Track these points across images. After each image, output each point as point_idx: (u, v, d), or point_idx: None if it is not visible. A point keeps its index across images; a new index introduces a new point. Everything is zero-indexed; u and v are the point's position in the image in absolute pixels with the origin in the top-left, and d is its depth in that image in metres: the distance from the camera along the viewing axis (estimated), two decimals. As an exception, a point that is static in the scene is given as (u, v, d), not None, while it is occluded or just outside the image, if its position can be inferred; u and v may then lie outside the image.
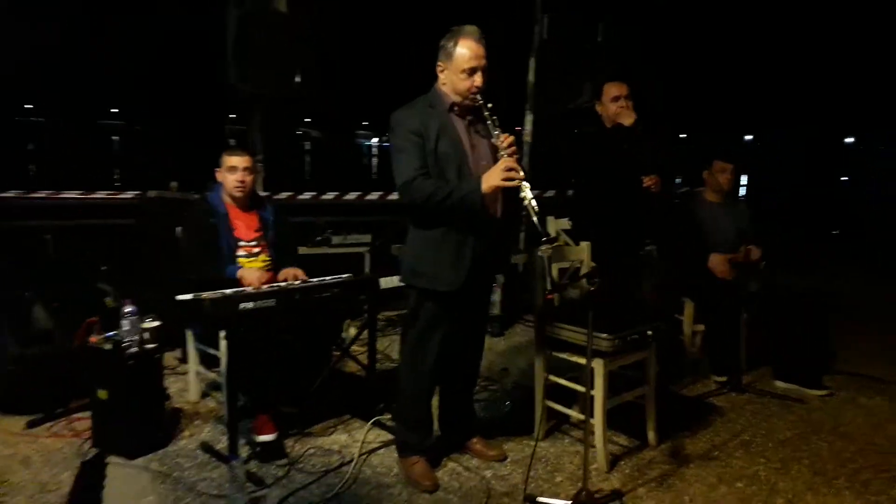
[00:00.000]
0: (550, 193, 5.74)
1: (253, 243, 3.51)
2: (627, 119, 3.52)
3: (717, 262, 4.10)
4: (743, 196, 13.60)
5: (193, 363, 3.62)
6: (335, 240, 4.73)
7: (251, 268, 3.35)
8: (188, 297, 2.85)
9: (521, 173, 2.60)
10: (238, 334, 2.84)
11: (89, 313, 3.32)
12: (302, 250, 4.52)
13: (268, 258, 3.54)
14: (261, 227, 3.55)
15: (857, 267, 8.37)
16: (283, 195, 5.07)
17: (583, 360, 3.05)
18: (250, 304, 2.81)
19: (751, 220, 4.33)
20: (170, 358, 4.03)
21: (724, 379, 4.07)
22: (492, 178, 2.59)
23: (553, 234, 3.20)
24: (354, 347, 3.80)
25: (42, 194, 4.45)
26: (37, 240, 4.14)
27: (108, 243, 4.31)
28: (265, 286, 3.10)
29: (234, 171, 3.44)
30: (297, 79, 4.42)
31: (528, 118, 5.84)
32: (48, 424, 3.31)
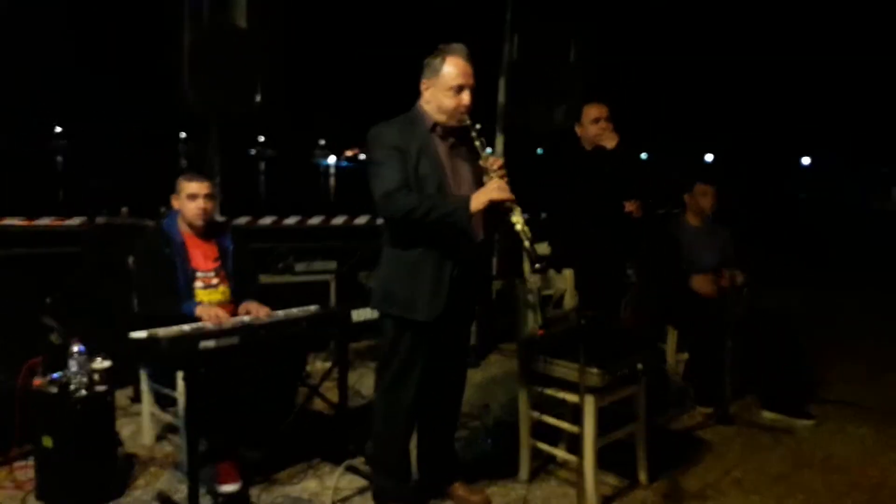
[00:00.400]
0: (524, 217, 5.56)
1: (211, 274, 3.25)
2: (610, 142, 3.40)
3: (700, 281, 3.98)
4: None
5: (147, 404, 3.33)
6: (298, 267, 4.48)
7: (210, 304, 3.08)
8: (142, 334, 2.60)
9: (512, 196, 2.42)
10: (198, 375, 2.58)
11: (33, 352, 3.02)
12: (263, 279, 4.26)
13: (227, 289, 3.28)
14: (220, 257, 3.30)
15: (820, 281, 8.39)
16: (243, 220, 4.80)
17: (572, 397, 2.87)
18: (211, 343, 2.56)
19: (733, 243, 4.22)
20: (121, 397, 3.72)
21: (710, 410, 3.92)
22: (486, 194, 2.40)
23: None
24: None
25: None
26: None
27: (54, 274, 3.98)
28: (227, 322, 2.86)
29: (194, 199, 3.20)
30: (258, 97, 4.18)
31: (499, 139, 5.67)
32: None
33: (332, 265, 4.62)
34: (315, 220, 5.55)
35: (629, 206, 3.49)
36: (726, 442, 3.60)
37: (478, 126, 2.51)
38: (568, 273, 3.31)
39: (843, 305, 7.00)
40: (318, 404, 3.60)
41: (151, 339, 2.54)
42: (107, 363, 2.85)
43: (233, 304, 3.25)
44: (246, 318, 2.97)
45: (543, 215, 5.52)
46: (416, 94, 2.64)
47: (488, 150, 2.51)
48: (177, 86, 3.95)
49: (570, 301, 3.31)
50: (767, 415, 3.92)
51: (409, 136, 2.53)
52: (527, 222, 2.44)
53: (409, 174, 2.49)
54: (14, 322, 3.42)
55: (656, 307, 4.17)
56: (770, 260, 8.76)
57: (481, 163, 2.50)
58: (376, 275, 2.67)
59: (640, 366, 2.92)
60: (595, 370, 2.74)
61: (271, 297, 3.26)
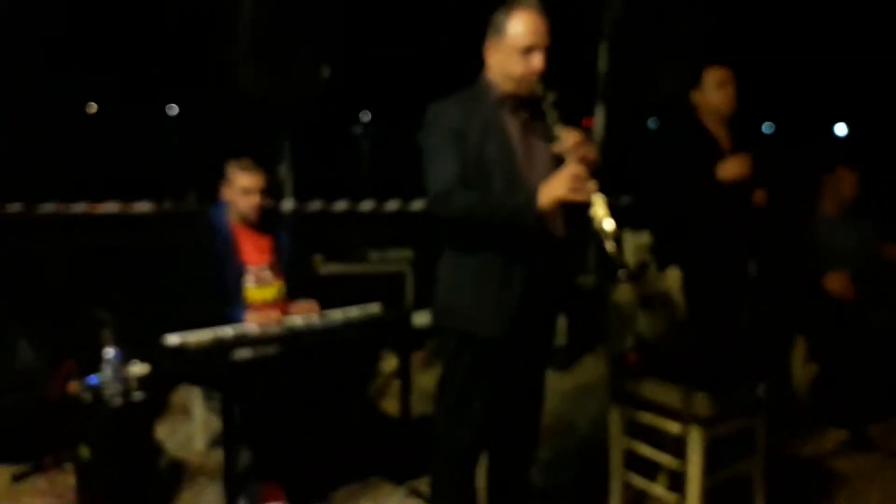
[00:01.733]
0: (626, 201, 5.00)
1: (265, 268, 2.95)
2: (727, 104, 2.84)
3: (835, 281, 3.33)
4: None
5: (199, 408, 3.09)
6: (373, 256, 4.13)
7: (264, 302, 2.77)
8: (176, 339, 2.32)
9: (594, 184, 1.94)
10: (234, 390, 2.27)
11: (81, 350, 2.83)
12: (333, 268, 4.00)
13: (282, 285, 2.98)
14: (274, 250, 3.00)
15: None
16: (317, 205, 4.51)
17: (674, 427, 2.36)
18: (247, 353, 2.23)
19: (880, 236, 3.50)
20: (181, 398, 3.51)
21: (845, 434, 3.27)
22: (554, 189, 1.94)
23: (635, 263, 2.49)
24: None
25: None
26: (32, 262, 3.69)
27: (115, 266, 3.81)
28: (273, 326, 2.55)
29: (249, 194, 2.91)
30: (326, 73, 3.83)
31: (600, 112, 5.10)
32: (34, 478, 2.85)
33: (408, 253, 4.25)
34: (393, 206, 5.19)
35: (758, 196, 2.89)
36: (865, 475, 2.98)
37: (551, 96, 2.02)
38: (674, 272, 2.77)
39: None
40: (385, 408, 3.26)
41: (182, 346, 2.24)
42: (145, 368, 2.60)
43: (288, 302, 2.95)
44: (298, 320, 2.64)
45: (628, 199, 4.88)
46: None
47: (559, 131, 2.00)
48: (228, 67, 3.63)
49: (675, 307, 2.77)
50: (920, 442, 3.25)
51: (472, 114, 2.10)
52: (614, 212, 1.95)
53: (471, 162, 2.06)
54: (65, 318, 3.26)
55: (783, 310, 3.54)
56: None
57: (555, 148, 2.02)
58: (437, 282, 2.25)
59: (760, 391, 2.36)
60: (704, 396, 2.22)
61: (341, 292, 2.96)
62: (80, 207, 3.88)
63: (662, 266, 2.88)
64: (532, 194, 1.97)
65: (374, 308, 2.84)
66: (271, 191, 3.22)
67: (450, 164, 2.05)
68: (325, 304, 2.90)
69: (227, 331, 2.38)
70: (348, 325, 2.66)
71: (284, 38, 3.62)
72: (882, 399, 3.44)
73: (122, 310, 3.37)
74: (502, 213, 2.00)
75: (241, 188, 2.92)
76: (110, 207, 3.98)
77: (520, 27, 2.05)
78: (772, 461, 2.66)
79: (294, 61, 3.66)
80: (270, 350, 2.30)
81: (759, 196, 2.89)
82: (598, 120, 5.07)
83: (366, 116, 32.31)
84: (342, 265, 4.06)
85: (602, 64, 4.90)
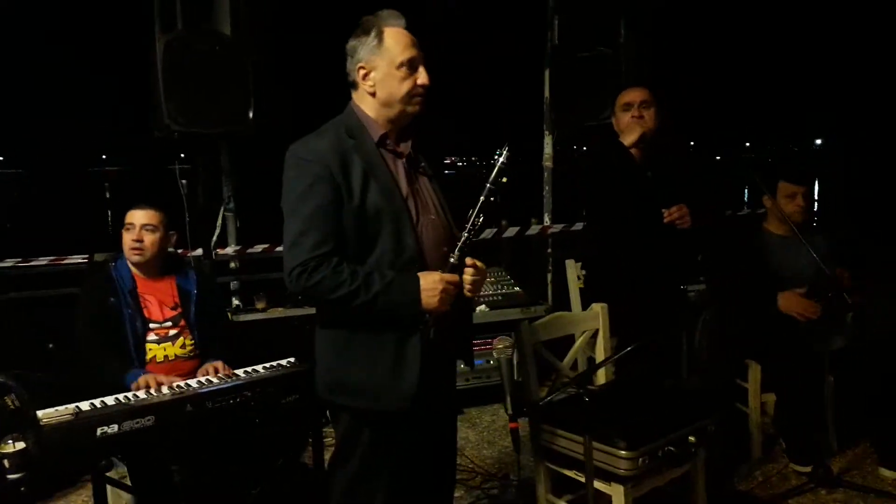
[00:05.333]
0: (578, 227, 4.83)
1: (168, 324, 2.73)
2: (630, 134, 2.68)
3: (789, 300, 3.12)
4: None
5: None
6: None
7: (153, 374, 2.53)
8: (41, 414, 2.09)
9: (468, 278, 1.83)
10: (100, 470, 2.04)
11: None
12: (276, 312, 3.90)
13: (190, 342, 2.75)
14: (179, 302, 2.78)
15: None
16: (259, 248, 4.31)
17: (599, 484, 2.13)
18: (113, 428, 2.01)
19: (832, 253, 3.29)
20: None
21: (807, 469, 3.04)
22: (430, 298, 1.77)
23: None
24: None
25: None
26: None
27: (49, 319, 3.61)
28: (164, 389, 2.32)
29: (130, 230, 2.69)
30: (251, 114, 3.66)
31: (548, 140, 4.96)
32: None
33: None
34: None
35: (669, 215, 2.70)
36: (830, 515, 2.76)
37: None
38: (597, 308, 2.57)
39: None
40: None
41: (44, 423, 2.01)
42: (19, 445, 2.36)
43: (198, 360, 2.73)
44: (192, 383, 2.42)
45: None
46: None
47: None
48: (152, 107, 3.50)
49: (603, 345, 2.57)
50: (887, 474, 3.02)
51: (348, 153, 1.84)
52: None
53: (351, 213, 1.81)
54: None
55: (734, 336, 3.33)
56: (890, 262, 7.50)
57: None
58: (318, 355, 1.99)
59: (692, 438, 2.14)
60: (622, 451, 2.00)
61: (277, 339, 2.91)
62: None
63: (589, 292, 2.69)
64: (414, 289, 1.77)
65: (284, 363, 2.62)
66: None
67: (318, 224, 1.79)
68: (260, 351, 2.68)
69: (86, 405, 2.13)
70: (253, 385, 2.42)
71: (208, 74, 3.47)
72: (847, 430, 3.25)
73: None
74: (380, 302, 1.77)
75: (125, 225, 2.71)
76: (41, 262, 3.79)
77: (396, 41, 1.85)
78: (724, 501, 2.43)
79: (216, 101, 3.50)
80: (146, 422, 2.07)
81: (675, 214, 2.70)
82: (547, 148, 4.94)
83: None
84: (287, 309, 3.90)
85: (546, 91, 4.78)
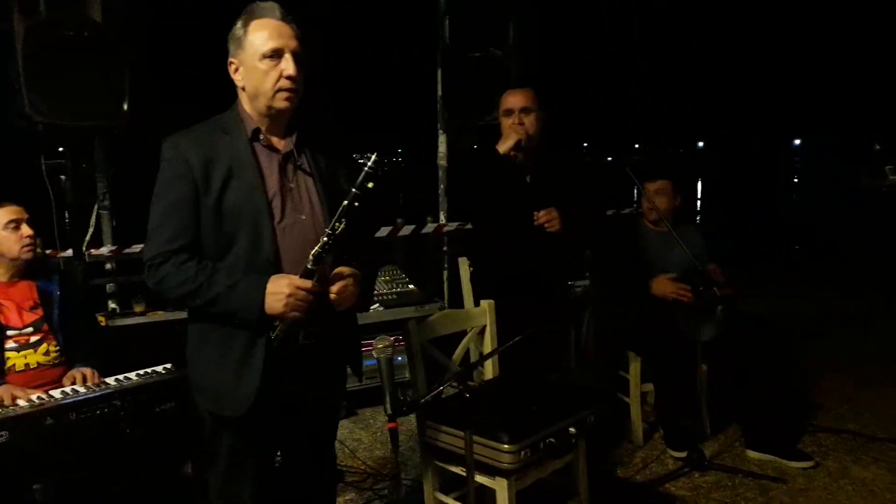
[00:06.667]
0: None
1: (29, 329, 2.53)
2: (505, 142, 2.73)
3: (662, 285, 3.27)
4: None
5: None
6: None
7: (9, 384, 2.33)
8: None
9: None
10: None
11: None
12: (156, 316, 3.73)
13: (55, 348, 2.56)
14: (39, 302, 2.59)
15: (813, 277, 7.60)
16: (136, 248, 4.09)
17: (483, 479, 2.15)
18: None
19: (705, 249, 3.49)
20: None
21: (683, 454, 3.20)
22: (275, 304, 1.71)
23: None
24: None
25: None
26: None
27: None
28: (20, 402, 2.15)
29: (17, 227, 2.53)
30: (125, 106, 3.45)
31: (442, 139, 4.98)
32: None
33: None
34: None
35: (538, 219, 2.75)
36: (703, 495, 2.91)
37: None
38: (485, 305, 2.60)
39: (839, 305, 6.12)
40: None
41: None
42: None
43: (64, 367, 2.55)
44: (56, 394, 2.25)
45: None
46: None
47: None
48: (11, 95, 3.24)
49: (490, 341, 2.60)
50: (754, 455, 3.22)
51: (217, 149, 1.79)
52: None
53: (209, 211, 1.76)
54: None
55: (616, 330, 3.46)
56: (758, 257, 8.03)
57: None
58: (187, 352, 1.93)
59: (572, 430, 2.20)
60: (505, 445, 2.03)
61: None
62: None
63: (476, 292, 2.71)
64: (259, 292, 1.70)
65: (160, 370, 2.49)
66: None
67: (171, 220, 1.75)
68: (139, 357, 2.56)
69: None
70: (123, 393, 2.28)
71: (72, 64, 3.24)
72: (718, 416, 3.44)
73: None
74: (221, 304, 1.72)
75: (5, 223, 2.51)
76: None
77: (261, 32, 1.77)
78: (607, 488, 2.52)
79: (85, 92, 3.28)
80: (0, 438, 1.91)
81: (545, 217, 2.77)
82: (441, 147, 4.96)
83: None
84: (168, 312, 3.71)
85: (439, 90, 4.80)
